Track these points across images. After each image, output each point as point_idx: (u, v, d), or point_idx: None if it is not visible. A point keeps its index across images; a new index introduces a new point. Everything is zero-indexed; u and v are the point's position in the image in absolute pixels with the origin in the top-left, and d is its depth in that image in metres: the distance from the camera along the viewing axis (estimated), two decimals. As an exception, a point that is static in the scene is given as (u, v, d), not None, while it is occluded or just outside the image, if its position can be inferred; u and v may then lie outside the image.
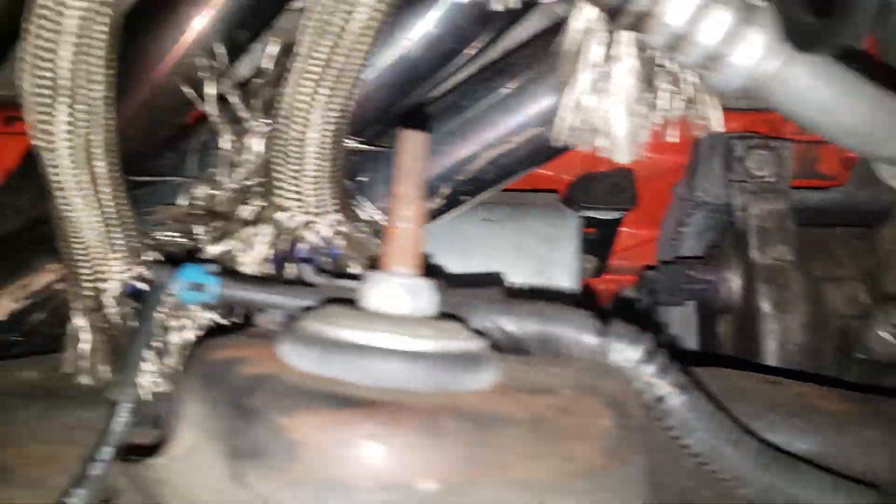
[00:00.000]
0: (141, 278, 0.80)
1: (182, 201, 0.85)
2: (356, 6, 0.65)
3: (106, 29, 0.69)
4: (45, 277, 0.91)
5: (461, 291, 0.65)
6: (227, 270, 0.70)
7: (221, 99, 0.83)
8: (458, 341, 0.53)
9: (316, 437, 0.46)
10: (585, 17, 0.67)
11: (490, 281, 0.97)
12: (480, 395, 0.53)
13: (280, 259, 0.76)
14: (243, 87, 0.83)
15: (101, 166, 0.75)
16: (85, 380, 0.78)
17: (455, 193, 0.89)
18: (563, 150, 0.88)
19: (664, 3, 0.60)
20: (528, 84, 0.83)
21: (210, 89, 0.82)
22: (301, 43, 0.70)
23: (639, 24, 0.62)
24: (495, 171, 0.87)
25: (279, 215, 0.77)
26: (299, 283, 0.68)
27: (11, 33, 0.97)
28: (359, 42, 0.67)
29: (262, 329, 0.66)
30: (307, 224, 0.76)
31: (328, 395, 0.48)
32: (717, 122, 0.74)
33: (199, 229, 0.84)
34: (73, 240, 0.77)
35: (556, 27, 0.91)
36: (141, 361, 0.74)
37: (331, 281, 0.66)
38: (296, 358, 0.51)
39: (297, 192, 0.76)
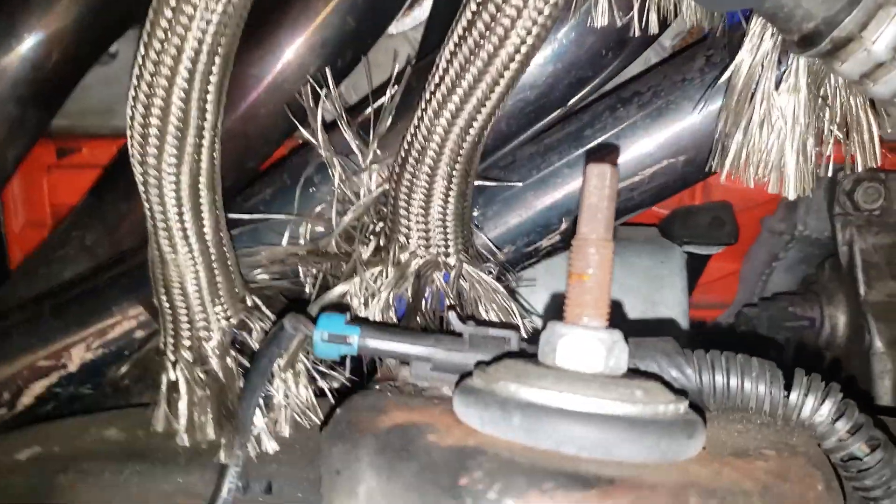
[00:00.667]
0: (243, 326, 0.73)
1: (282, 241, 0.78)
2: (509, 34, 0.59)
3: (221, 61, 0.62)
4: (124, 324, 0.83)
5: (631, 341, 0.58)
6: (358, 319, 0.63)
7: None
8: (670, 404, 0.46)
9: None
10: (761, 47, 0.61)
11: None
12: (699, 463, 0.46)
13: (405, 304, 0.69)
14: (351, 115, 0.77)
15: (205, 205, 0.68)
16: (183, 440, 0.70)
17: (573, 229, 0.82)
18: (688, 184, 0.83)
19: (872, 26, 0.54)
20: (656, 114, 0.77)
21: (317, 119, 0.76)
22: (439, 70, 0.64)
23: (835, 50, 0.56)
24: (620, 205, 0.80)
25: (403, 256, 0.70)
26: (439, 332, 0.61)
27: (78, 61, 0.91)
28: (507, 71, 0.61)
29: (407, 385, 0.58)
30: (433, 266, 0.69)
31: (558, 474, 0.40)
32: (876, 156, 0.68)
33: (304, 272, 0.78)
34: (173, 284, 0.69)
35: (678, 54, 0.86)
36: (252, 421, 0.67)
37: (478, 329, 0.58)
38: (492, 426, 0.44)
39: (425, 232, 0.69)
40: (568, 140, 0.81)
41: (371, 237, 0.72)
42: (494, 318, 0.71)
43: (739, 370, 0.56)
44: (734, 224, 1.06)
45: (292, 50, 0.81)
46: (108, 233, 0.95)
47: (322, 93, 0.76)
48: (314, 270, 0.77)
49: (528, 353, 0.55)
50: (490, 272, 0.71)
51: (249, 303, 0.74)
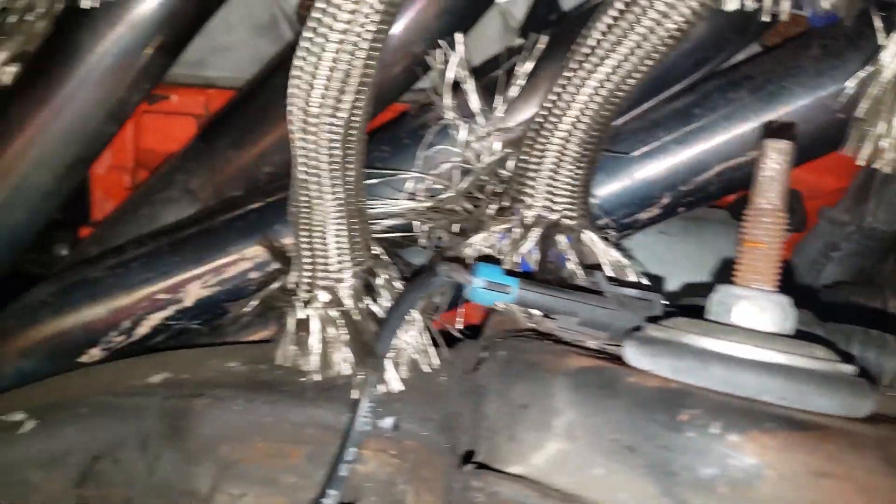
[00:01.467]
0: (371, 273, 0.77)
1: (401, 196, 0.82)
2: (671, 13, 0.63)
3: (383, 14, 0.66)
4: (240, 265, 0.87)
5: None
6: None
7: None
8: (846, 364, 0.51)
9: (776, 460, 0.43)
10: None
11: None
12: (872, 422, 0.51)
13: (525, 264, 0.73)
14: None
15: (353, 156, 0.72)
16: (314, 375, 0.74)
17: (673, 204, 0.86)
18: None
19: None
20: (768, 98, 0.81)
21: (445, 78, 0.79)
22: (590, 40, 0.67)
23: None
24: (720, 185, 0.85)
25: (529, 217, 0.74)
26: (585, 289, 0.65)
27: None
28: (662, 47, 0.65)
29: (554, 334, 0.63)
30: (558, 228, 0.74)
31: (773, 416, 0.45)
32: None
33: (419, 227, 0.82)
34: (315, 228, 0.73)
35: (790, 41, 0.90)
36: (387, 358, 0.72)
37: (620, 290, 0.63)
38: (688, 374, 0.49)
39: (551, 195, 0.73)
40: (676, 117, 0.85)
41: (493, 197, 0.77)
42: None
43: (876, 343, 0.61)
44: (804, 213, 1.10)
45: (419, 12, 0.85)
46: (212, 178, 0.98)
47: (449, 56, 0.79)
48: (431, 226, 0.82)
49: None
50: (606, 238, 0.76)
51: (376, 251, 0.79)
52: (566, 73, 0.69)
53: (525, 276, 0.64)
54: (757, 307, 0.53)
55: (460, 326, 0.80)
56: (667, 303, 0.63)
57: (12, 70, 0.95)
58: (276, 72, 0.96)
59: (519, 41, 0.98)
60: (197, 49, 1.06)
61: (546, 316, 0.66)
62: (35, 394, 0.83)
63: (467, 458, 0.57)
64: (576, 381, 0.51)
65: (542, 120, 0.72)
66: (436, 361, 0.75)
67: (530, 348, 0.56)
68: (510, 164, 0.79)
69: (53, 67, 0.87)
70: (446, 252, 0.75)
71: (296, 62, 0.66)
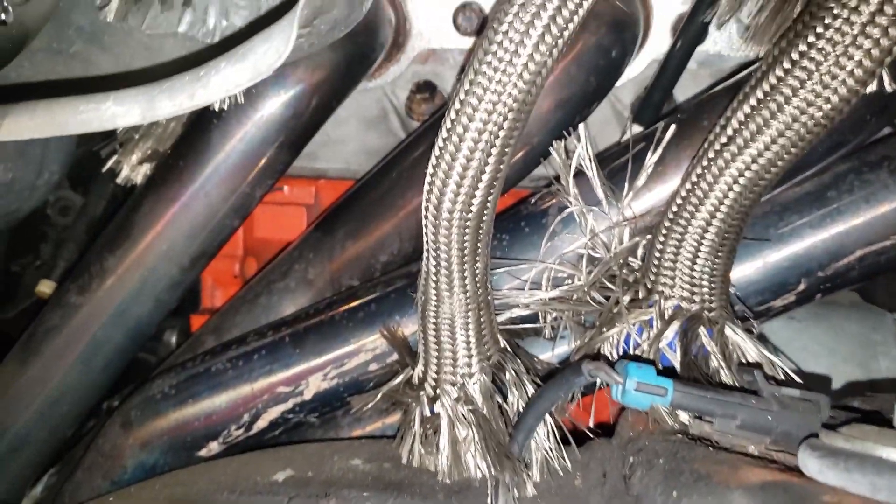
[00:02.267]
0: (500, 367, 0.75)
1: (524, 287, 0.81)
2: (818, 101, 0.61)
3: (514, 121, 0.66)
4: (360, 356, 0.86)
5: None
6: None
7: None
8: None
9: None
10: None
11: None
12: None
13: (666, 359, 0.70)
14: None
15: (481, 250, 0.72)
16: (444, 476, 0.72)
17: (810, 290, 0.82)
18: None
19: None
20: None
21: (569, 171, 0.79)
22: (727, 131, 0.66)
23: None
24: (861, 270, 0.80)
25: (668, 310, 0.71)
26: (738, 388, 0.62)
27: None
28: (809, 136, 0.63)
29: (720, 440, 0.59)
30: (699, 321, 0.70)
31: None
32: None
33: (543, 317, 0.80)
34: (443, 322, 0.72)
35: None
36: (523, 462, 0.69)
37: (781, 390, 0.59)
38: (888, 492, 0.44)
39: (690, 286, 0.71)
40: (808, 200, 0.81)
41: (626, 287, 0.74)
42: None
43: None
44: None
45: (538, 106, 0.85)
46: (329, 267, 0.99)
47: (570, 146, 0.79)
48: (558, 316, 0.80)
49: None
50: (751, 331, 0.72)
51: (502, 344, 0.77)
52: (705, 161, 0.67)
53: (668, 372, 0.60)
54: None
55: (591, 425, 0.77)
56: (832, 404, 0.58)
57: (144, 169, 1.00)
58: (392, 165, 0.98)
59: (636, 129, 0.98)
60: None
61: (699, 418, 0.62)
62: (159, 490, 0.83)
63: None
64: (761, 499, 0.47)
65: (678, 208, 0.70)
66: (569, 464, 0.72)
67: (694, 456, 0.53)
68: (640, 252, 0.77)
69: (185, 166, 0.91)
70: (580, 348, 0.73)
71: (432, 161, 0.66)
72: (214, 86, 0.54)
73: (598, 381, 0.71)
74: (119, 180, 1.01)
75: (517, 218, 0.86)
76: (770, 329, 0.98)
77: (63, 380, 0.99)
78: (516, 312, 0.80)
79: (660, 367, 0.68)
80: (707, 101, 0.81)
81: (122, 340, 0.98)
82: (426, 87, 1.09)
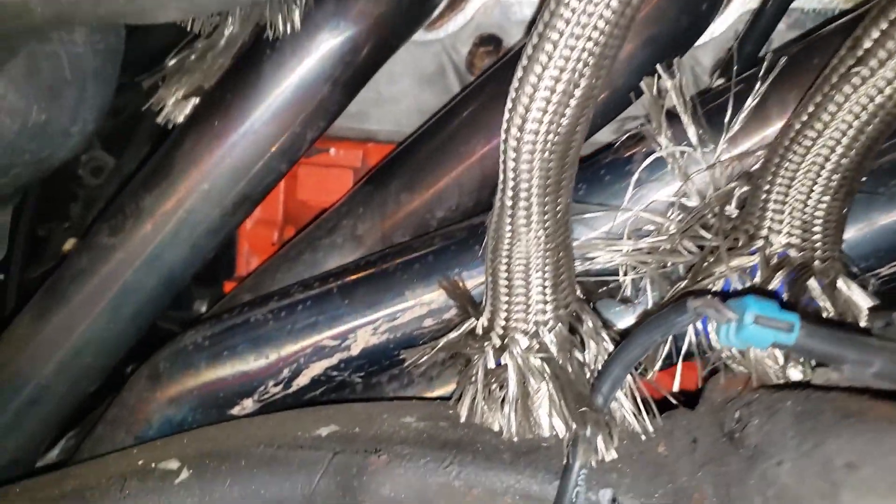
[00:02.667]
0: (577, 317, 0.67)
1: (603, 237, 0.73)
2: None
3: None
4: (416, 310, 0.78)
5: None
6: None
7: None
8: None
9: None
10: None
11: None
12: None
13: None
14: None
15: (564, 185, 0.64)
16: (511, 435, 0.64)
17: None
18: None
19: None
20: None
21: (660, 111, 0.71)
22: (857, 51, 0.58)
23: None
24: None
25: (773, 257, 0.63)
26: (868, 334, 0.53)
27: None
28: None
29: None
30: (808, 268, 0.62)
31: None
32: None
33: (625, 268, 0.72)
34: (516, 262, 0.64)
35: None
36: (607, 416, 0.61)
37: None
38: None
39: (801, 231, 0.62)
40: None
41: (723, 235, 0.66)
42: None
43: None
44: None
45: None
46: (381, 223, 0.92)
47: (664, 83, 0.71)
48: (638, 270, 0.71)
49: None
50: (865, 285, 0.63)
51: (580, 293, 0.69)
52: (826, 87, 0.60)
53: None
54: None
55: (675, 390, 0.68)
56: None
57: (188, 106, 0.93)
58: (453, 113, 0.90)
59: (718, 82, 0.90)
60: (359, 100, 1.02)
61: (820, 365, 0.54)
62: (188, 442, 0.75)
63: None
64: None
65: (789, 141, 0.62)
66: (652, 428, 0.63)
67: (835, 397, 0.44)
68: (736, 200, 0.69)
69: (232, 100, 0.85)
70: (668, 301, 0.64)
71: (518, 73, 0.59)
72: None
73: (692, 331, 0.64)
74: (159, 119, 0.95)
75: (596, 166, 0.78)
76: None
77: (89, 328, 0.92)
78: (594, 265, 0.72)
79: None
80: (815, 41, 0.73)
81: (155, 288, 0.91)
82: (490, 41, 1.02)
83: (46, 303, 0.94)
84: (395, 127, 1.12)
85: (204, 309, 1.28)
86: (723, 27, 0.93)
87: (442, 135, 0.90)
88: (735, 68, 0.75)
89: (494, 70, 0.91)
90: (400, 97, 1.10)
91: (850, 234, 0.73)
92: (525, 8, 1.00)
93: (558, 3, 0.56)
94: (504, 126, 0.61)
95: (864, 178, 0.69)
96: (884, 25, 0.57)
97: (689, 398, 0.69)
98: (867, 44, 0.58)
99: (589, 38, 0.56)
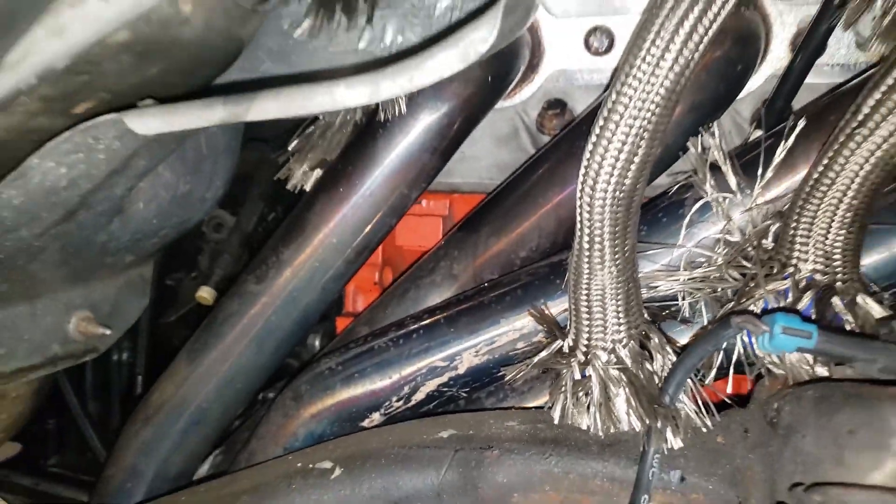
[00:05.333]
0: (645, 336, 0.84)
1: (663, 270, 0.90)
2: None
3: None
4: (510, 335, 0.96)
5: None
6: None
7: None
8: None
9: None
10: None
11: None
12: None
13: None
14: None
15: (631, 227, 0.81)
16: (597, 430, 0.80)
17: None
18: None
19: None
20: None
21: (705, 163, 0.88)
22: (864, 109, 0.74)
23: None
24: None
25: (802, 281, 0.78)
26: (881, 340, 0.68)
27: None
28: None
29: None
30: (832, 291, 0.77)
31: None
32: None
33: (683, 295, 0.88)
34: (594, 293, 0.81)
35: None
36: (676, 409, 0.77)
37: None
38: None
39: (824, 258, 0.78)
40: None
41: (761, 264, 0.82)
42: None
43: None
44: None
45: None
46: (472, 263, 1.10)
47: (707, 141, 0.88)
48: (699, 296, 0.88)
49: None
50: (882, 301, 0.78)
51: (647, 316, 0.85)
52: (836, 144, 0.75)
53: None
54: None
55: (729, 393, 0.84)
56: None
57: (313, 176, 1.14)
58: (532, 169, 1.09)
59: (756, 133, 1.06)
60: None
61: (839, 364, 0.69)
62: (335, 448, 0.94)
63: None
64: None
65: (810, 188, 0.78)
66: (710, 423, 0.79)
67: (842, 385, 0.60)
68: (772, 235, 0.85)
69: (353, 170, 1.05)
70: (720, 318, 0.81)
71: (590, 144, 0.77)
72: (429, 70, 0.66)
73: (739, 343, 0.80)
74: (289, 186, 1.16)
75: (655, 210, 0.95)
76: None
77: (238, 360, 1.13)
78: (657, 293, 0.89)
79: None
80: (832, 101, 0.89)
81: (291, 326, 1.12)
82: (557, 104, 1.20)
83: (204, 340, 1.15)
84: (477, 180, 1.31)
85: (318, 342, 1.48)
86: (759, 82, 1.09)
87: (523, 187, 1.09)
88: (764, 124, 0.92)
89: (565, 133, 1.09)
90: (480, 155, 1.29)
91: (874, 259, 0.88)
92: (586, 75, 1.18)
93: (622, 85, 0.73)
94: (580, 186, 0.78)
95: (879, 212, 0.85)
96: (878, 96, 0.73)
97: (744, 401, 0.85)
98: (866, 110, 0.73)
99: (644, 118, 0.73)
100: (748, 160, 0.90)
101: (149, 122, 0.74)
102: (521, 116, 1.25)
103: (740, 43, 0.97)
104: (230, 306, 1.13)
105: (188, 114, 0.73)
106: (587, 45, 1.13)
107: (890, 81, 0.72)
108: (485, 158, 1.30)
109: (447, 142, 1.05)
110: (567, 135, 1.08)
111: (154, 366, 1.61)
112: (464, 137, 1.08)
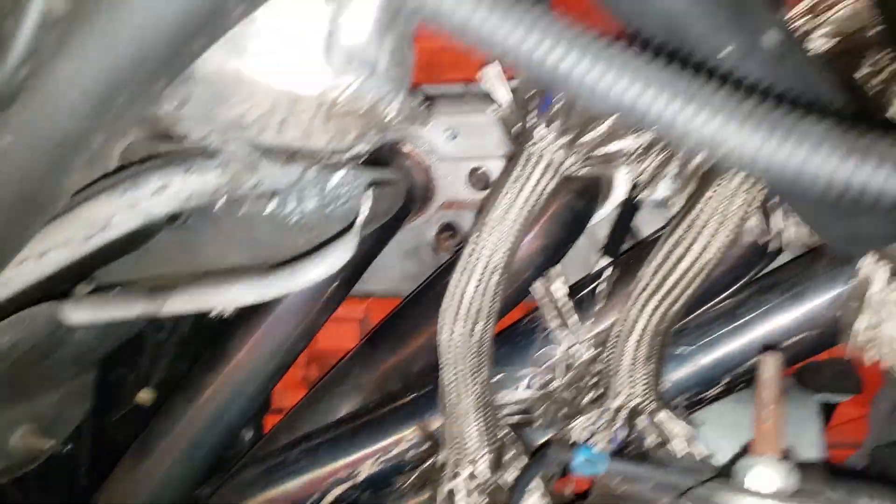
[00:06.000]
0: (501, 451, 1.04)
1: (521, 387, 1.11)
2: (705, 254, 0.91)
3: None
4: (401, 444, 1.16)
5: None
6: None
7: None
8: None
9: None
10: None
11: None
12: None
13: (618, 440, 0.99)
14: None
15: (484, 367, 1.02)
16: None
17: (733, 383, 1.10)
18: (820, 350, 1.10)
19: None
20: (793, 298, 1.06)
21: (550, 298, 1.09)
22: (647, 271, 0.96)
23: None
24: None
25: (615, 403, 1.00)
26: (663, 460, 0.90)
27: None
28: (700, 275, 0.93)
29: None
30: (638, 411, 0.99)
31: None
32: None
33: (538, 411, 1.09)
34: (459, 418, 1.02)
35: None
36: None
37: (685, 459, 0.87)
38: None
39: (630, 385, 1.00)
40: (727, 314, 1.10)
41: (590, 388, 1.04)
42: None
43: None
44: (857, 378, 1.29)
45: (526, 249, 1.16)
46: (375, 375, 1.30)
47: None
48: (545, 411, 1.09)
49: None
50: (681, 417, 1.00)
51: (505, 431, 1.06)
52: (633, 297, 0.98)
53: (619, 450, 0.89)
54: (766, 473, 0.76)
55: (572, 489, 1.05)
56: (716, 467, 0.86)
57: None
58: (423, 292, 1.29)
59: (603, 261, 1.28)
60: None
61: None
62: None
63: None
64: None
65: (619, 330, 1.00)
66: (555, 519, 1.00)
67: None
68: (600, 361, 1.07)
69: (265, 303, 1.24)
70: (556, 436, 1.02)
71: (446, 298, 0.97)
72: (301, 280, 0.87)
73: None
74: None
75: (515, 333, 1.16)
76: (723, 410, 1.24)
77: (169, 472, 1.30)
78: (514, 408, 1.09)
79: (611, 447, 0.97)
80: (645, 244, 1.12)
81: (215, 440, 1.30)
82: (448, 228, 1.42)
83: (140, 453, 1.33)
84: (389, 286, 1.51)
85: (249, 436, 1.66)
86: (605, 214, 1.31)
87: (416, 309, 1.29)
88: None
89: (452, 260, 1.30)
90: (389, 266, 1.49)
91: (686, 373, 1.11)
92: (471, 204, 1.39)
93: (470, 254, 0.94)
94: (438, 333, 0.99)
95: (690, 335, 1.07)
96: (656, 264, 0.95)
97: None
98: (649, 272, 0.96)
99: (490, 273, 0.95)
100: (587, 294, 1.11)
101: (80, 314, 0.93)
102: (421, 236, 1.46)
103: (581, 193, 1.20)
104: (162, 424, 1.31)
105: (113, 308, 0.91)
106: (470, 182, 1.34)
107: (668, 248, 0.94)
108: (392, 269, 1.50)
109: (352, 273, 1.25)
110: (451, 263, 1.29)
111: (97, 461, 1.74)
112: (367, 265, 1.28)
